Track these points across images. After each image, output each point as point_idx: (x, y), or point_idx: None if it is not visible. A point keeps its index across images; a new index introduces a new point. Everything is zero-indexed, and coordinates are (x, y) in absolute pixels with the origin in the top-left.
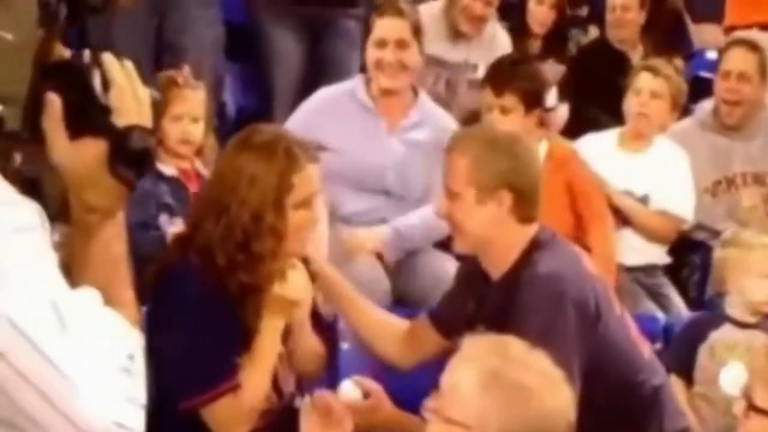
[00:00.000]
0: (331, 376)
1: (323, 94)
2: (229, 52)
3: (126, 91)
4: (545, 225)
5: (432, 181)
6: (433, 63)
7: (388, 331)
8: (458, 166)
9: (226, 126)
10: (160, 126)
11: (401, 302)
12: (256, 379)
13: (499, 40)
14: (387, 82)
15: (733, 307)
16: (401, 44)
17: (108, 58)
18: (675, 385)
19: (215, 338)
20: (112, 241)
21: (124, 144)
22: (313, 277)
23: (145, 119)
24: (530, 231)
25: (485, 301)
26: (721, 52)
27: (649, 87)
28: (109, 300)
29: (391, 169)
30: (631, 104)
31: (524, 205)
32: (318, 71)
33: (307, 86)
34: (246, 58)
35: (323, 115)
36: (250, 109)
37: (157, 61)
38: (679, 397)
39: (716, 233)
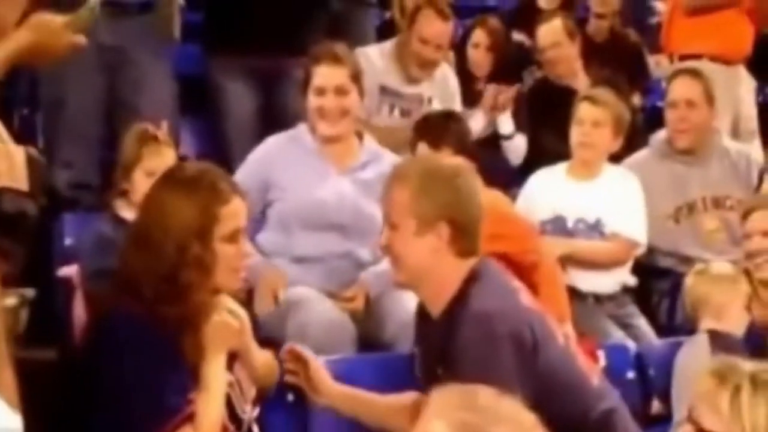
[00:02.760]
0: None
1: (269, 142)
2: (186, 104)
3: None
4: (485, 257)
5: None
6: (388, 93)
7: (401, 413)
8: (399, 197)
9: None
10: (128, 176)
11: (369, 347)
12: (208, 411)
13: (450, 79)
14: (328, 129)
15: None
16: (340, 91)
17: None
18: None
19: (156, 376)
20: None
21: None
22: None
23: (19, 180)
24: (468, 265)
25: (428, 339)
26: (667, 83)
27: (589, 116)
28: None
29: (345, 207)
30: (574, 135)
31: (463, 239)
32: (272, 120)
33: (262, 135)
34: (203, 109)
35: (272, 161)
36: (210, 160)
37: (110, 118)
38: None
39: (683, 258)
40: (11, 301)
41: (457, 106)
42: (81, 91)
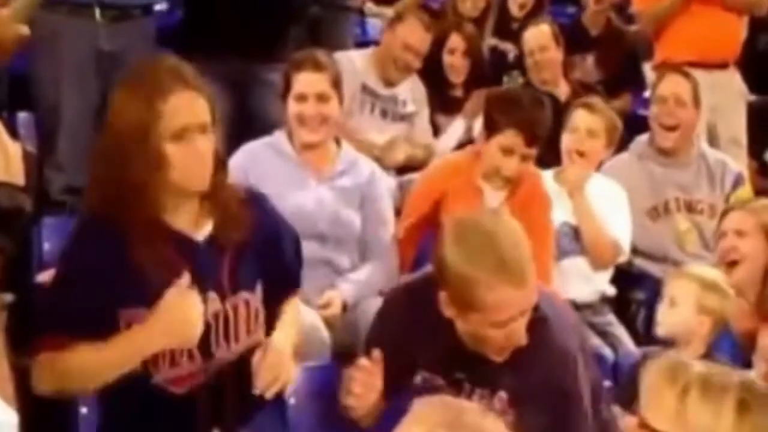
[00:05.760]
0: None
1: (247, 149)
2: None
3: None
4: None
5: (364, 227)
6: (369, 93)
7: None
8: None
9: None
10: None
11: (342, 355)
12: (86, 360)
13: (419, 85)
14: (308, 136)
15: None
16: (321, 98)
17: None
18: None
19: (71, 292)
20: None
21: None
22: None
23: (15, 176)
24: None
25: (487, 379)
26: (655, 80)
27: (585, 125)
28: None
29: (324, 215)
30: (567, 142)
31: None
32: (245, 124)
33: (235, 140)
34: None
35: (250, 168)
36: None
37: (102, 123)
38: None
39: (660, 259)
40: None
41: (426, 112)
42: (77, 96)
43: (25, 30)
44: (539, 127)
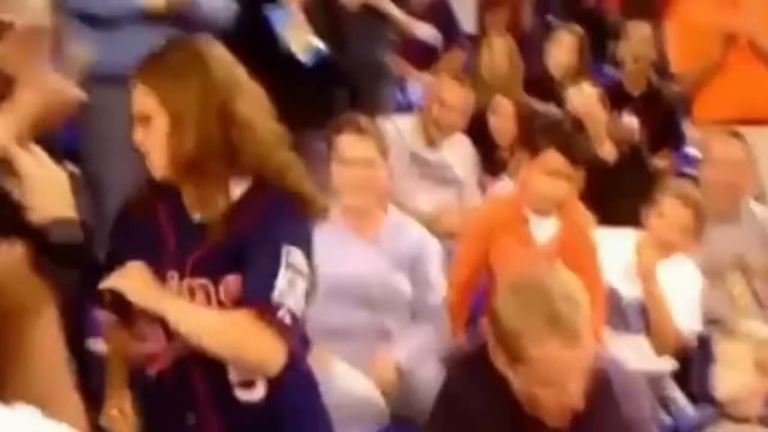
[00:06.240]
0: None
1: None
2: None
3: (40, 182)
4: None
5: (413, 291)
6: (417, 161)
7: None
8: None
9: None
10: None
11: (401, 422)
12: None
13: (468, 145)
14: (353, 200)
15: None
16: (365, 162)
17: (13, 149)
18: None
19: None
20: (47, 343)
21: (45, 241)
22: None
23: (67, 208)
24: None
25: None
26: (708, 141)
27: (678, 220)
28: (52, 410)
29: (375, 279)
30: (656, 226)
31: None
32: None
33: None
34: None
35: None
36: None
37: None
38: None
39: (714, 321)
40: None
41: (474, 174)
42: (123, 163)
43: (82, 94)
44: (579, 148)
